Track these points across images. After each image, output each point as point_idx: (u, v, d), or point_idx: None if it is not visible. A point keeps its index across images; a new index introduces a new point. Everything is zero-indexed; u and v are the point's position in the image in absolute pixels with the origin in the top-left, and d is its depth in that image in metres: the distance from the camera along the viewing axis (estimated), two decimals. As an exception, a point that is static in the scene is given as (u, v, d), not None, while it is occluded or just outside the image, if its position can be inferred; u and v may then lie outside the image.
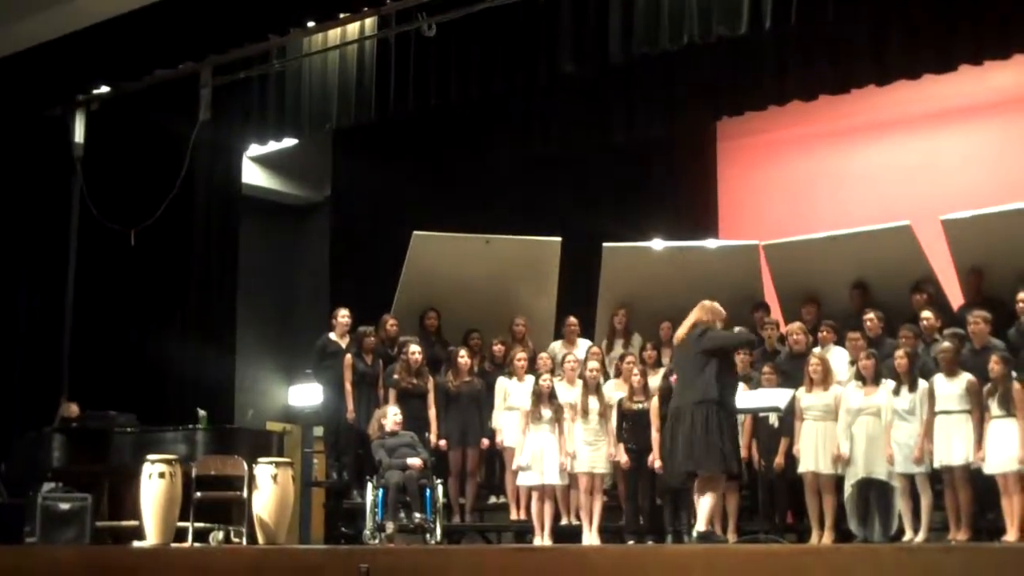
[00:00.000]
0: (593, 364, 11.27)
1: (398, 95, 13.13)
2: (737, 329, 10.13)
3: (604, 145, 14.21)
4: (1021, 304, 10.17)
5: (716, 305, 9.71)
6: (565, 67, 12.43)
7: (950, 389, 9.75)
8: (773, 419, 10.53)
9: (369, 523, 10.96)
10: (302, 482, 12.89)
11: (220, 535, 11.01)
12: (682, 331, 9.66)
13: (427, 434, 11.63)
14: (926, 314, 10.73)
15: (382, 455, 11.09)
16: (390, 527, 10.80)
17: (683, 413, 9.44)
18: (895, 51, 12.38)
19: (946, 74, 12.39)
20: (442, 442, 11.72)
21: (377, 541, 10.79)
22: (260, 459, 11.06)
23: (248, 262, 15.39)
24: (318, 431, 13.01)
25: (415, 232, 12.67)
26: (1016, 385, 9.41)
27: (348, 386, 11.94)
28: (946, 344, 9.98)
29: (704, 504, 9.44)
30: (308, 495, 14.46)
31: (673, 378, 10.63)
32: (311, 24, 13.53)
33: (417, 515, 10.87)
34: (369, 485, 11.08)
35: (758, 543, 9.80)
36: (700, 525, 9.45)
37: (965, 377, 9.72)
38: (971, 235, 11.26)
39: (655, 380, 11.07)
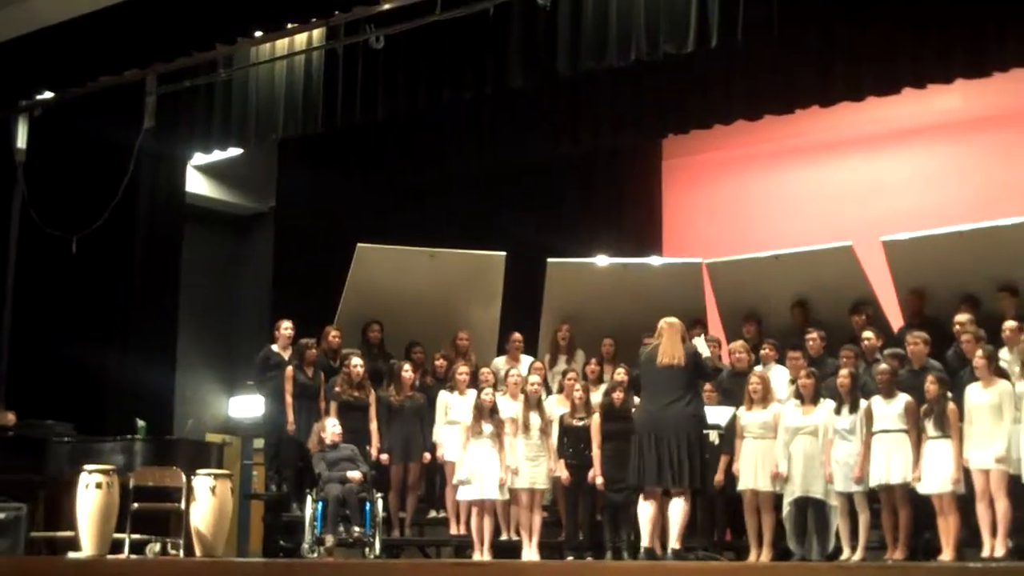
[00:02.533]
0: (535, 379, 11.26)
1: (345, 106, 13.11)
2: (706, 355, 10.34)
3: (550, 160, 14.25)
4: (958, 326, 10.24)
5: (679, 323, 10.06)
6: (513, 81, 12.46)
7: (888, 409, 9.81)
8: (714, 436, 10.58)
9: (308, 537, 10.91)
10: (241, 494, 12.79)
11: (157, 547, 10.93)
12: (677, 354, 9.85)
13: (368, 447, 11.58)
14: (867, 334, 10.81)
15: (322, 468, 11.05)
16: (329, 541, 10.76)
17: (666, 428, 9.71)
18: (839, 73, 12.49)
19: (890, 96, 12.52)
20: (383, 456, 11.67)
21: (316, 555, 10.75)
22: (199, 471, 11.00)
23: (191, 272, 15.29)
24: (258, 443, 12.94)
25: (359, 244, 12.63)
26: (951, 406, 9.49)
27: (289, 398, 11.86)
28: (885, 365, 10.05)
29: (679, 518, 9.71)
30: (247, 508, 14.36)
31: (617, 395, 10.68)
32: (258, 34, 13.49)
33: (356, 529, 10.86)
34: (309, 498, 11.03)
35: (696, 560, 9.86)
36: (675, 542, 9.71)
37: (903, 398, 9.79)
38: (911, 256, 11.35)
39: (597, 396, 11.10)
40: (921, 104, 12.88)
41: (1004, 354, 9.83)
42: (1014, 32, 11.68)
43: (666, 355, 9.94)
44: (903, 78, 12.37)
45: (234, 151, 14.99)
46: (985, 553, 9.19)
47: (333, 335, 12.35)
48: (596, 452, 10.73)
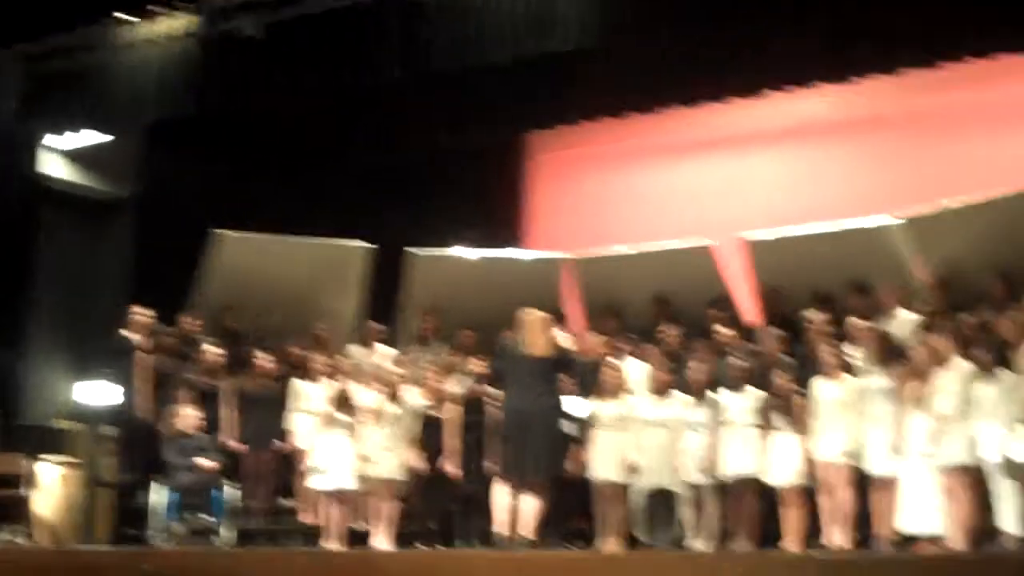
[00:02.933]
0: (393, 369, 11.21)
1: (217, 93, 12.98)
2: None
3: (418, 152, 14.23)
4: (810, 323, 10.41)
5: (543, 315, 10.11)
6: (390, 73, 12.41)
7: (739, 403, 9.94)
8: (569, 427, 10.59)
9: (157, 525, 10.77)
10: (89, 482, 12.53)
11: (2, 535, 10.66)
12: (543, 345, 9.93)
13: (220, 435, 11.41)
14: (722, 330, 10.93)
15: (173, 456, 10.91)
16: (179, 529, 10.60)
17: (530, 418, 9.79)
18: (703, 73, 12.71)
19: (751, 99, 12.74)
20: (236, 444, 11.51)
21: (165, 544, 10.57)
22: (45, 457, 10.75)
23: (48, 256, 14.95)
24: (108, 430, 12.68)
25: (217, 231, 12.46)
26: (800, 400, 9.64)
27: (141, 385, 11.65)
28: (738, 360, 10.18)
29: (533, 509, 9.77)
30: (95, 495, 14.05)
31: (475, 386, 10.67)
32: (127, 17, 13.24)
33: (207, 517, 10.70)
34: (159, 486, 10.86)
35: (548, 550, 9.89)
36: (529, 532, 9.78)
37: (754, 392, 9.93)
38: (768, 255, 11.55)
39: (455, 387, 11.07)
40: (782, 107, 13.12)
41: (852, 350, 10.02)
42: (873, 38, 11.98)
43: (531, 346, 9.98)
44: (765, 81, 12.63)
45: (99, 136, 14.69)
46: (828, 543, 9.34)
47: (188, 322, 12.16)
48: (452, 443, 10.70)
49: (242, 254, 12.40)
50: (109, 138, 14.79)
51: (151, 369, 11.71)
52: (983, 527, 8.79)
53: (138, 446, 11.75)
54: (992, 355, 8.87)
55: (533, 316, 10.18)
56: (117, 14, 13.19)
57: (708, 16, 11.75)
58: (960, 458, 8.78)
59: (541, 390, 9.97)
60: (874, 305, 10.65)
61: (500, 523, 9.96)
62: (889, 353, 9.49)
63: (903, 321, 10.27)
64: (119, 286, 14.54)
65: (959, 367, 8.96)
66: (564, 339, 10.39)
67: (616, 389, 10.47)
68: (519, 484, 9.94)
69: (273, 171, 14.80)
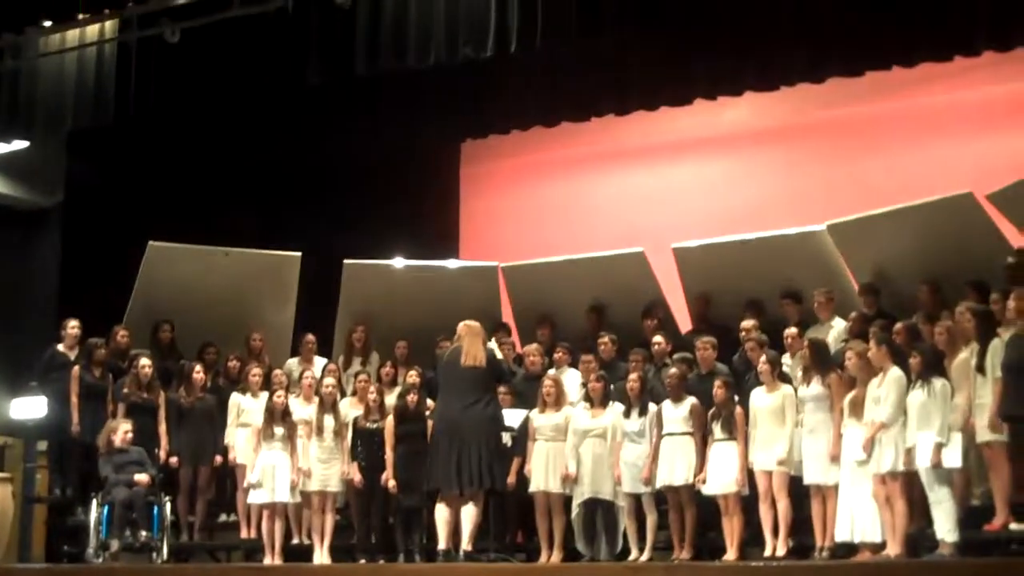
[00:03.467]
0: (329, 381, 11.19)
1: (138, 100, 12.83)
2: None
3: (349, 160, 14.18)
4: (744, 332, 10.52)
5: (480, 326, 10.11)
6: (311, 79, 12.37)
7: (676, 412, 10.01)
8: (506, 438, 10.62)
9: (93, 541, 10.69)
10: (23, 498, 12.38)
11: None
12: (478, 356, 9.90)
13: (157, 450, 11.35)
14: (657, 339, 11.01)
15: (108, 471, 10.81)
16: (115, 546, 10.55)
17: (464, 429, 9.78)
18: (635, 82, 12.83)
19: (683, 107, 12.85)
20: (172, 458, 11.44)
21: (101, 560, 10.52)
22: (-24, 473, 10.62)
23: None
24: (42, 445, 12.52)
25: (151, 242, 12.34)
26: (738, 409, 9.74)
27: (75, 399, 11.54)
28: (673, 369, 10.25)
29: (471, 520, 9.76)
30: (29, 512, 13.84)
31: (411, 397, 10.66)
32: (48, 24, 13.06)
33: (143, 533, 10.69)
34: (94, 502, 10.78)
35: (488, 562, 9.91)
36: (467, 544, 9.74)
37: (690, 401, 10.01)
38: (700, 263, 11.66)
39: (391, 399, 11.06)
40: (712, 115, 13.27)
41: (787, 359, 10.16)
42: (802, 47, 12.16)
43: (468, 356, 9.99)
44: (696, 90, 12.75)
45: (20, 144, 14.47)
46: (767, 552, 9.46)
47: (122, 335, 12.07)
48: (389, 455, 10.70)
49: (176, 265, 12.31)
50: (27, 145, 14.57)
51: (86, 383, 11.58)
52: (920, 534, 8.96)
53: (73, 461, 11.65)
54: (925, 362, 9.01)
55: (468, 326, 10.20)
56: (36, 22, 12.99)
57: (639, 26, 11.84)
58: (895, 466, 8.92)
59: (473, 400, 9.96)
60: (809, 313, 10.79)
61: (440, 536, 9.96)
62: (823, 362, 9.60)
63: (838, 330, 10.42)
64: (49, 298, 14.37)
65: (892, 375, 9.10)
66: (499, 349, 10.40)
67: (554, 399, 10.52)
68: (451, 496, 9.91)
69: (199, 179, 14.66)
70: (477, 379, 10.00)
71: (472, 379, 10.00)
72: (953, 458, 8.79)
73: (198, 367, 11.66)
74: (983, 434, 8.92)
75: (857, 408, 9.21)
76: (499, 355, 10.48)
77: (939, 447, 8.76)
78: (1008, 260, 9.94)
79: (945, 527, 8.70)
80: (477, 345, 10.08)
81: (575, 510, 10.24)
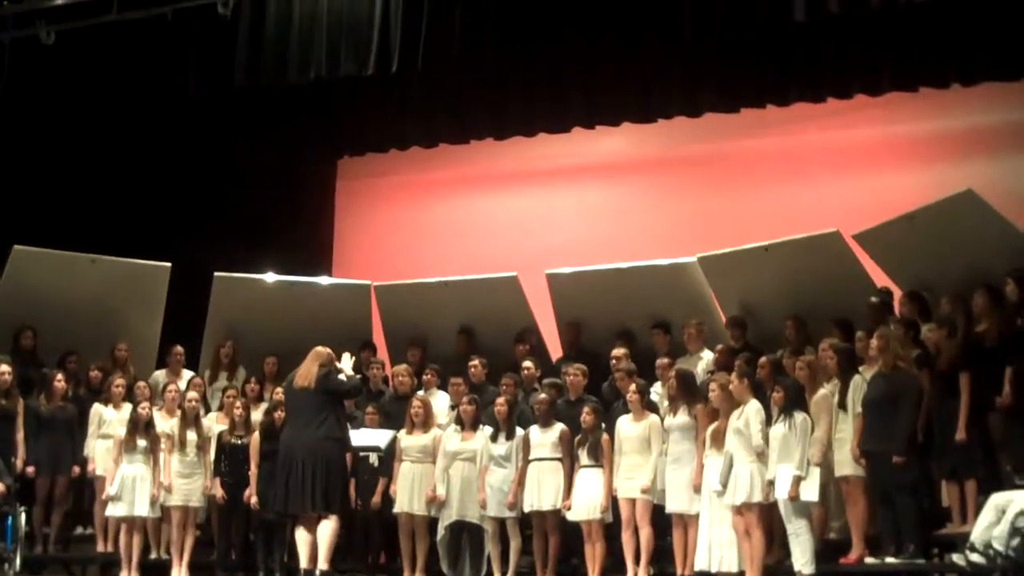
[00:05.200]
0: (193, 395, 11.04)
1: (9, 101, 12.54)
2: (348, 375, 10.05)
3: (223, 173, 14.03)
4: (614, 360, 10.61)
5: (328, 351, 9.79)
6: (190, 89, 12.25)
7: (544, 437, 10.07)
8: (373, 459, 10.59)
9: (-56, 553, 10.36)
10: None
11: None
12: (309, 377, 9.63)
13: (13, 459, 11.05)
14: (527, 364, 11.07)
15: (-39, 480, 10.51)
16: (-34, 556, 10.24)
17: (299, 451, 9.48)
18: (514, 108, 12.94)
19: (560, 134, 12.95)
20: (29, 468, 11.16)
21: (-50, 572, 10.21)
22: None
23: None
24: None
25: (15, 246, 12.05)
26: (605, 437, 9.82)
27: (-71, 405, 11.22)
28: (543, 395, 10.31)
29: (326, 539, 9.48)
30: None
31: (277, 414, 10.53)
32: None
33: (-3, 544, 10.37)
34: (-54, 512, 10.48)
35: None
36: (323, 563, 9.47)
37: (558, 427, 10.07)
38: (572, 290, 11.74)
39: (257, 415, 10.95)
40: (590, 144, 13.37)
41: (658, 388, 10.27)
42: (680, 82, 12.36)
43: (299, 378, 9.75)
44: (574, 118, 12.86)
45: None
46: (628, 580, 9.56)
47: (-19, 340, 11.77)
48: (254, 471, 10.59)
49: (40, 270, 12.01)
50: None
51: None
52: (778, 566, 9.11)
53: (-76, 469, 11.33)
54: (787, 397, 9.18)
55: (314, 350, 9.85)
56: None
57: (519, 53, 11.93)
58: (753, 497, 9.07)
59: (305, 421, 9.64)
60: (678, 344, 10.92)
61: (301, 555, 9.84)
62: (690, 392, 9.72)
63: (707, 361, 10.56)
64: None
65: (751, 407, 9.25)
66: (346, 364, 10.11)
67: (422, 421, 10.51)
68: (305, 516, 9.60)
69: (69, 184, 14.35)
70: (309, 400, 9.64)
71: (304, 400, 9.67)
72: (811, 491, 8.98)
73: (59, 375, 11.41)
74: (842, 468, 9.14)
75: (718, 439, 9.35)
76: (348, 370, 10.14)
77: (798, 480, 8.95)
78: (871, 299, 10.18)
79: (802, 559, 8.88)
80: (308, 366, 9.73)
81: (440, 532, 10.24)
